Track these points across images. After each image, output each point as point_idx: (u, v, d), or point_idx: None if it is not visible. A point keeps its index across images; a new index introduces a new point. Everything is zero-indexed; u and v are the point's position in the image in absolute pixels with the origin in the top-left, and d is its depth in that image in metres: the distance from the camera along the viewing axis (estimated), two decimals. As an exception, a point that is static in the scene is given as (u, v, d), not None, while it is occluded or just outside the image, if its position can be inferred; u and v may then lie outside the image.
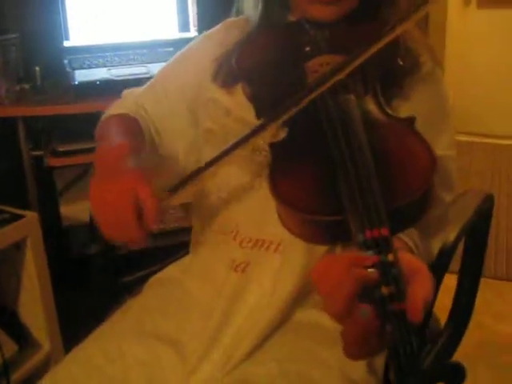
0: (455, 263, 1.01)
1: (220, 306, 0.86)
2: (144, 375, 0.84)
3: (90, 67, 1.87)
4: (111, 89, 1.67)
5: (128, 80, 1.76)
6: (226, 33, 0.97)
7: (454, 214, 0.96)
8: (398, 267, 0.55)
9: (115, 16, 1.93)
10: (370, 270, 0.55)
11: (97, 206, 0.74)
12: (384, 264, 0.55)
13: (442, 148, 0.83)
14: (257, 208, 0.85)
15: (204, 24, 1.92)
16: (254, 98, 0.85)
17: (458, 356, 1.04)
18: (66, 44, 1.90)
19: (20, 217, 1.49)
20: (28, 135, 1.82)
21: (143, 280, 1.03)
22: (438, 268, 0.86)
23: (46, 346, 1.59)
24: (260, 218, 0.85)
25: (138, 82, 1.06)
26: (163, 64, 1.04)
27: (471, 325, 1.09)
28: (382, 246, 0.56)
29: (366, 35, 0.74)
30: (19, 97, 1.82)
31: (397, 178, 0.66)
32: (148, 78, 1.04)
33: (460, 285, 1.08)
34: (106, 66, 1.87)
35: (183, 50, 1.02)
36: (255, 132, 0.74)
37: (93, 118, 0.98)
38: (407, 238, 0.74)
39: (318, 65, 0.81)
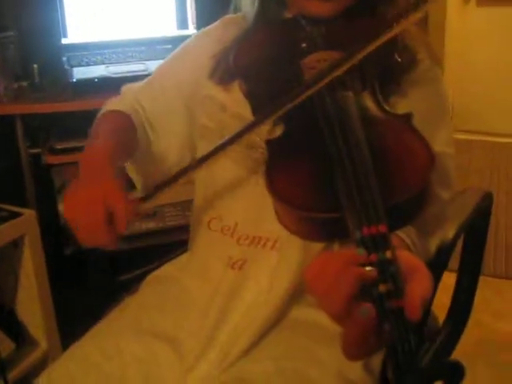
0: (454, 261, 1.01)
1: (217, 304, 0.86)
2: (141, 373, 0.84)
3: (88, 64, 1.87)
4: (109, 86, 1.66)
5: (126, 77, 1.75)
6: (223, 30, 0.97)
7: (452, 212, 0.96)
8: (396, 264, 0.54)
9: (113, 13, 1.93)
10: (367, 268, 0.54)
11: (69, 208, 0.76)
12: (382, 261, 0.54)
13: (439, 145, 0.83)
14: (254, 205, 0.85)
15: (202, 21, 1.91)
16: (250, 95, 0.85)
17: (457, 354, 1.04)
18: (64, 41, 1.90)
19: (18, 215, 1.50)
20: (26, 133, 1.82)
21: (141, 278, 1.03)
22: (437, 266, 0.85)
23: (44, 344, 1.59)
24: (257, 215, 0.85)
25: (136, 79, 1.06)
26: (161, 61, 1.04)
27: (470, 323, 1.08)
28: (379, 242, 0.56)
29: (363, 31, 0.74)
30: (17, 94, 1.82)
31: (394, 174, 0.66)
32: (146, 76, 1.04)
33: (459, 283, 1.08)
34: (104, 64, 1.87)
35: (181, 47, 1.02)
36: (248, 128, 0.74)
37: (91, 116, 0.98)
38: (404, 235, 0.74)
39: (315, 61, 0.81)
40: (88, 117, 0.98)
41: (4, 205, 1.53)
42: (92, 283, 1.86)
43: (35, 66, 1.85)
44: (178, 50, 1.02)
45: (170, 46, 1.90)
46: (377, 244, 0.55)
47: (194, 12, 1.99)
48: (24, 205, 1.71)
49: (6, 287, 1.59)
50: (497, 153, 2.28)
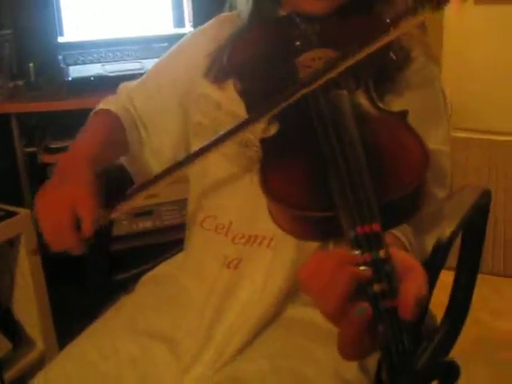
0: (452, 259, 1.00)
1: (212, 304, 0.86)
2: (138, 373, 0.84)
3: (84, 63, 1.86)
4: (105, 85, 1.66)
5: (122, 76, 1.73)
6: (218, 28, 0.97)
7: (450, 210, 0.95)
8: (390, 264, 0.54)
9: (110, 11, 1.92)
10: (362, 267, 0.54)
11: (40, 209, 0.78)
12: (376, 260, 0.54)
13: (435, 142, 0.82)
14: (248, 203, 0.85)
15: (199, 19, 1.91)
16: (244, 94, 0.85)
17: (455, 353, 1.03)
18: (60, 40, 1.89)
19: (13, 214, 1.49)
20: (22, 132, 1.81)
21: (138, 277, 1.03)
22: (434, 264, 0.85)
23: (40, 343, 1.59)
24: (252, 213, 0.85)
25: (132, 77, 1.06)
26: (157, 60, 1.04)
27: (468, 321, 1.08)
28: (373, 242, 0.55)
29: (358, 30, 0.73)
30: (13, 93, 1.81)
31: (389, 172, 0.65)
32: (142, 74, 1.04)
33: (457, 281, 1.08)
34: (100, 62, 1.87)
35: (176, 45, 1.02)
36: (242, 126, 0.74)
37: (87, 115, 0.98)
38: (400, 233, 0.73)
39: (310, 59, 0.80)
40: (84, 115, 0.98)
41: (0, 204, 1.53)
42: (89, 282, 1.85)
43: (31, 64, 1.84)
44: (173, 48, 1.02)
45: (166, 45, 1.89)
46: (371, 243, 0.55)
47: (191, 10, 1.99)
48: (20, 204, 1.71)
49: (2, 286, 1.58)
50: (495, 151, 2.28)
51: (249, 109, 0.82)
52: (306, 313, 0.85)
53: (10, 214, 1.49)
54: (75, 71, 1.82)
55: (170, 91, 0.97)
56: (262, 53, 0.87)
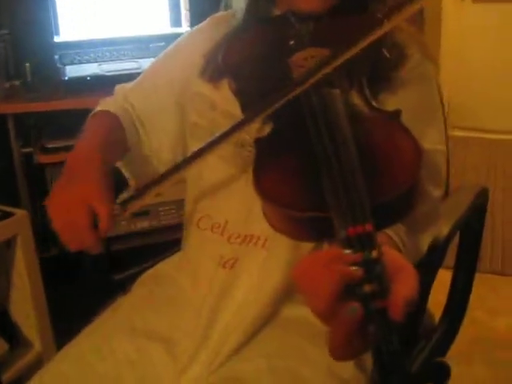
0: (450, 259, 1.00)
1: (209, 303, 0.86)
2: (136, 373, 0.84)
3: (80, 63, 1.86)
4: (102, 84, 1.66)
5: (119, 75, 1.74)
6: (214, 28, 0.97)
7: (447, 209, 0.95)
8: (382, 264, 0.54)
9: (106, 11, 1.92)
10: (353, 267, 0.54)
11: (54, 210, 0.77)
12: (367, 261, 0.54)
13: (430, 142, 0.82)
14: (244, 203, 0.85)
15: (196, 19, 1.90)
16: (239, 93, 0.85)
17: (453, 352, 1.03)
18: (57, 39, 1.89)
19: (10, 215, 1.49)
20: (18, 132, 1.81)
21: (136, 277, 1.02)
22: (432, 263, 0.85)
23: (37, 344, 1.58)
24: (247, 213, 0.84)
25: (129, 77, 1.06)
26: (154, 59, 1.04)
27: (466, 321, 1.08)
28: (365, 242, 0.55)
29: (352, 29, 0.73)
30: (9, 93, 1.81)
31: (382, 171, 0.65)
32: (139, 74, 1.04)
33: (455, 280, 1.08)
34: (96, 62, 1.86)
35: (173, 46, 1.02)
36: (237, 127, 0.74)
37: (84, 114, 0.98)
38: (392, 232, 0.73)
39: (303, 59, 0.80)
40: (81, 115, 0.98)
41: (-4, 205, 1.52)
42: (87, 282, 1.85)
43: (27, 64, 1.83)
44: (169, 48, 1.02)
45: (163, 44, 1.89)
46: (363, 243, 0.55)
47: (188, 10, 1.98)
48: (17, 205, 1.70)
49: (-1, 288, 1.58)
50: (493, 150, 2.28)
51: (243, 108, 0.82)
52: (301, 312, 0.85)
53: (7, 215, 1.48)
54: (72, 71, 1.82)
55: (166, 91, 0.97)
56: (256, 52, 0.87)
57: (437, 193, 0.84)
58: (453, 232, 0.92)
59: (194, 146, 0.78)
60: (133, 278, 1.02)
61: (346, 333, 0.52)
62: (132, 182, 0.98)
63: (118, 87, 1.03)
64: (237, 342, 0.83)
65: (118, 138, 0.92)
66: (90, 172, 0.79)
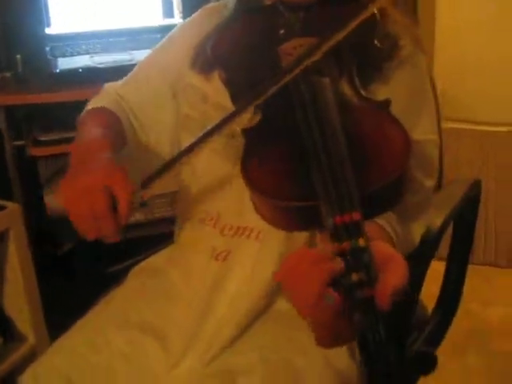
0: (443, 249, 1.00)
1: (201, 296, 0.85)
2: (129, 366, 0.84)
3: (72, 55, 1.84)
4: (94, 76, 1.65)
5: (111, 67, 1.73)
6: (205, 19, 0.97)
7: (441, 200, 0.96)
8: (369, 253, 0.54)
9: (98, 2, 1.90)
10: (335, 259, 0.54)
11: (70, 199, 0.74)
12: (354, 249, 0.54)
13: (422, 132, 0.82)
14: (236, 195, 0.84)
15: (188, 10, 1.89)
16: (229, 84, 0.85)
17: (447, 344, 1.04)
18: (48, 31, 1.87)
19: (2, 208, 1.48)
20: (10, 125, 1.79)
21: (129, 269, 1.02)
22: (424, 254, 0.85)
23: (31, 338, 1.58)
24: (240, 205, 0.84)
25: (121, 69, 1.06)
26: (147, 51, 1.05)
27: (459, 312, 1.08)
28: (352, 230, 0.55)
29: (341, 17, 0.73)
30: (0, 86, 1.79)
31: (371, 161, 0.66)
32: (132, 65, 1.04)
33: (448, 271, 1.08)
34: (88, 54, 1.84)
35: (166, 38, 1.02)
36: (228, 118, 0.74)
37: (75, 107, 0.97)
38: (384, 221, 0.73)
39: (292, 48, 0.80)
40: (73, 108, 0.98)
41: (-12, 198, 1.51)
42: (80, 275, 1.85)
43: (18, 56, 1.81)
44: (163, 40, 1.02)
45: (156, 35, 1.88)
46: (350, 232, 0.55)
47: (180, 1, 1.97)
48: (9, 198, 1.69)
49: (-8, 281, 1.57)
50: (486, 141, 2.28)
51: (233, 99, 0.82)
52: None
53: (-1, 208, 1.48)
54: (63, 63, 1.80)
55: (159, 82, 0.97)
56: (245, 42, 0.87)
57: (429, 183, 0.84)
58: (446, 223, 0.92)
59: (186, 139, 0.78)
60: (126, 271, 1.02)
61: (325, 321, 0.53)
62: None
63: (107, 85, 1.02)
64: (230, 334, 0.83)
65: (118, 130, 0.92)
66: (103, 157, 0.77)
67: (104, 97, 0.98)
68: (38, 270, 1.58)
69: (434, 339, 1.00)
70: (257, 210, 0.70)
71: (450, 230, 1.02)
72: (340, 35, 0.70)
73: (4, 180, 1.81)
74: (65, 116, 0.94)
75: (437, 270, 0.98)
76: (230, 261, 0.85)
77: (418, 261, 0.82)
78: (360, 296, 0.52)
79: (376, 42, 0.81)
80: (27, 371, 0.88)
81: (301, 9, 0.84)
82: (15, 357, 1.53)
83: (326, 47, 0.71)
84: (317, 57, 0.71)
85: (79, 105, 0.98)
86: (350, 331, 0.53)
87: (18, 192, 1.82)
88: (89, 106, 0.97)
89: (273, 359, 0.81)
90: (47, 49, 1.84)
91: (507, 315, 1.99)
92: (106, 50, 1.87)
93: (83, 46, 1.87)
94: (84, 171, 0.76)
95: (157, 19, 1.97)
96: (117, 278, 1.02)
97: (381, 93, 0.81)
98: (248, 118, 0.81)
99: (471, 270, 1.11)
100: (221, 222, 0.87)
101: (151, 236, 1.80)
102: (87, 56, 1.83)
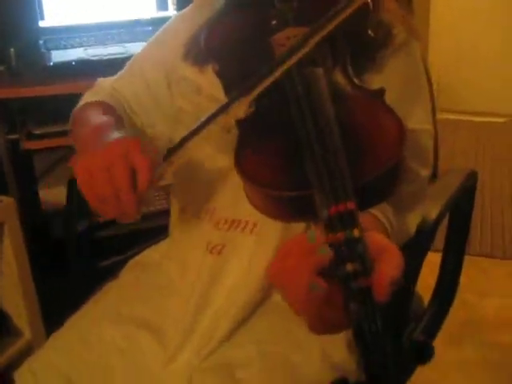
0: (439, 241, 1.00)
1: (197, 290, 0.85)
2: (125, 361, 0.84)
3: (66, 48, 1.82)
4: (88, 69, 1.64)
5: (105, 60, 1.72)
6: (198, 11, 0.97)
7: (437, 191, 0.95)
8: (364, 243, 0.54)
9: (91, -5, 1.89)
10: (323, 251, 0.54)
11: (87, 178, 0.69)
12: (349, 239, 0.54)
13: (416, 121, 0.82)
14: (231, 188, 0.84)
15: (182, 2, 1.88)
16: (222, 76, 0.84)
17: (444, 335, 1.04)
18: (42, 24, 1.85)
19: (-4, 202, 1.47)
20: (3, 118, 1.78)
21: (123, 263, 1.02)
22: (420, 245, 0.85)
23: (27, 333, 1.57)
24: (235, 198, 0.84)
25: (115, 61, 1.05)
26: (141, 43, 1.04)
27: (456, 303, 1.08)
28: (347, 220, 0.55)
29: (334, 6, 0.72)
30: (-6, 79, 1.78)
31: (365, 150, 0.65)
32: (126, 58, 1.03)
33: (444, 262, 1.08)
34: (82, 46, 1.83)
35: (160, 31, 1.01)
36: (224, 108, 0.73)
37: (69, 100, 0.96)
38: (380, 213, 0.73)
39: (285, 38, 0.79)
40: (67, 101, 0.97)
41: (-18, 192, 1.51)
42: (74, 269, 1.85)
43: (12, 49, 1.80)
44: (157, 33, 1.02)
45: (149, 28, 1.87)
46: (344, 222, 0.55)
47: (174, -7, 1.96)
48: (3, 192, 1.68)
49: (-13, 276, 1.56)
50: (482, 132, 2.29)
51: (226, 91, 0.81)
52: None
53: (-7, 203, 1.47)
54: (57, 56, 1.79)
55: (153, 74, 0.96)
56: (238, 34, 0.86)
57: (424, 172, 0.84)
58: (442, 213, 0.92)
59: (180, 132, 0.77)
60: (121, 265, 1.02)
61: (315, 311, 0.53)
62: None
63: (99, 80, 1.01)
64: (227, 327, 0.83)
65: (118, 119, 0.91)
66: (114, 135, 0.74)
67: (98, 91, 0.97)
68: (33, 266, 1.57)
69: (431, 330, 1.00)
70: (250, 200, 0.69)
71: (445, 222, 1.02)
72: (332, 24, 0.70)
73: (-1, 174, 1.81)
74: (59, 109, 0.93)
75: (433, 261, 0.97)
76: (226, 254, 0.85)
77: (413, 251, 0.81)
78: (355, 286, 0.52)
79: (369, 31, 0.81)
80: (23, 366, 0.88)
81: None
82: (11, 351, 1.53)
83: (318, 37, 0.70)
84: (309, 47, 0.71)
85: (73, 98, 0.97)
86: (343, 320, 0.53)
87: (12, 186, 1.82)
88: (83, 101, 0.95)
89: (270, 352, 0.81)
90: (41, 42, 1.83)
91: (503, 306, 1.99)
92: (99, 42, 1.85)
93: (77, 39, 1.85)
94: (101, 149, 0.71)
95: (151, 12, 1.96)
96: (112, 273, 1.02)
97: (375, 82, 0.80)
98: (244, 111, 0.80)
99: (467, 260, 1.11)
100: (216, 215, 0.86)
101: (146, 230, 1.79)
102: (81, 49, 1.82)
